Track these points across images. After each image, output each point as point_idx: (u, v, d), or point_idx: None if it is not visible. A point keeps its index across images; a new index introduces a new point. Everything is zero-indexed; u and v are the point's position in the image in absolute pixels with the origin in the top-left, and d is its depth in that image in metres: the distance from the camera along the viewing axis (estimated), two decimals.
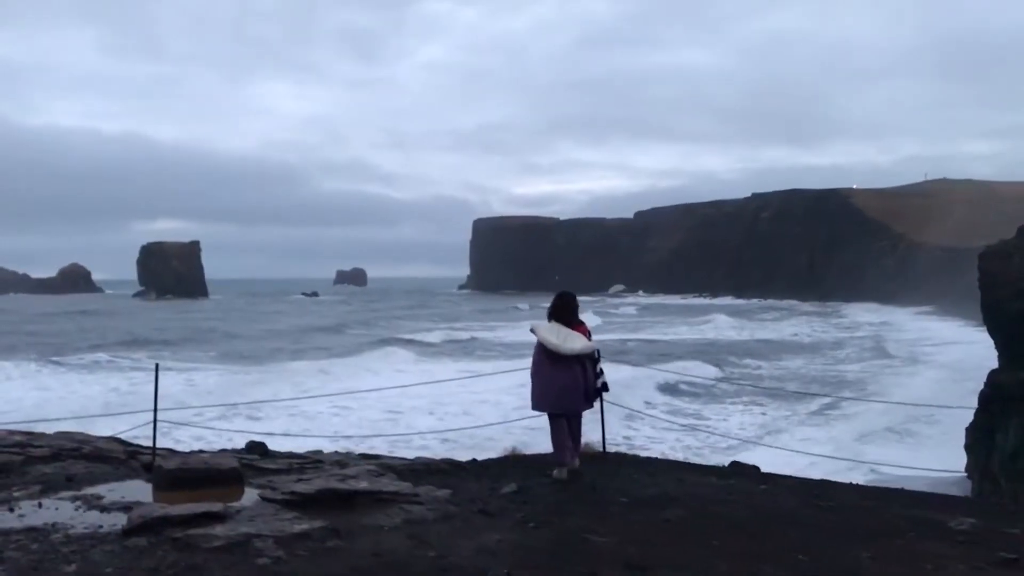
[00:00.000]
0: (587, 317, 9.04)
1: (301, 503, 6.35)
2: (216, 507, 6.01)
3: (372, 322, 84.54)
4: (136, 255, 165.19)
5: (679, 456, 19.44)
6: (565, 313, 8.42)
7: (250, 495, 6.84)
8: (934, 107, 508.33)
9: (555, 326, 8.30)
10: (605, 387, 8.46)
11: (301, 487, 6.60)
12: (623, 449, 10.32)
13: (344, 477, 7.05)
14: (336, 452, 9.94)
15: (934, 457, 22.06)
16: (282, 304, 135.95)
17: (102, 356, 47.17)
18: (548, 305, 8.58)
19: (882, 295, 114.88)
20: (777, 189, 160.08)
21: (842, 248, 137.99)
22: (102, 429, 11.55)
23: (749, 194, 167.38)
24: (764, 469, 9.11)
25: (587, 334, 8.41)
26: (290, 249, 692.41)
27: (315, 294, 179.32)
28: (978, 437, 20.40)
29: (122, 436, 9.92)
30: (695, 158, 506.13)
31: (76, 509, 6.50)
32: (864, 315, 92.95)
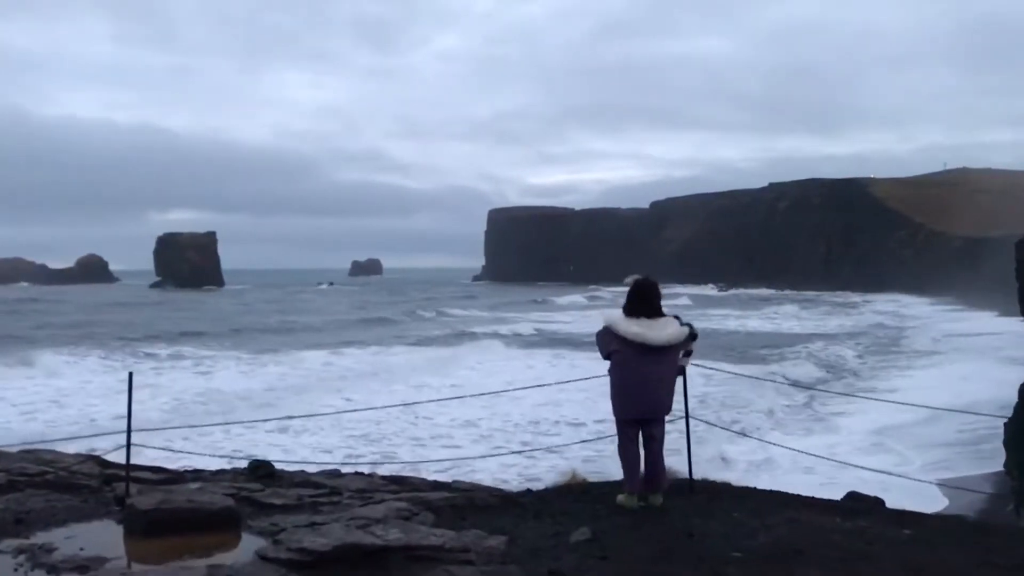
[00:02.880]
0: None
1: (312, 564, 4.73)
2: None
3: (417, 314, 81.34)
4: (152, 245, 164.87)
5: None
6: (646, 306, 6.72)
7: (247, 548, 5.22)
8: (956, 94, 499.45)
9: (639, 320, 6.64)
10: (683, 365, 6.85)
11: (313, 540, 4.94)
12: (699, 469, 8.22)
13: (368, 522, 5.38)
14: (358, 473, 8.27)
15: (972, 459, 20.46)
16: (309, 294, 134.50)
17: (185, 348, 44.36)
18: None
19: (902, 286, 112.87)
20: (794, 179, 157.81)
21: (860, 238, 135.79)
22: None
23: (766, 184, 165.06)
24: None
25: None
26: (305, 239, 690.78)
27: (331, 284, 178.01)
28: (1018, 432, 18.79)
29: (112, 451, 8.33)
30: (712, 147, 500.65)
31: (16, 569, 4.91)
32: (888, 305, 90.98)
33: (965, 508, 17.14)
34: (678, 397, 6.91)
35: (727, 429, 14.88)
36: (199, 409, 26.57)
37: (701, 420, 8.17)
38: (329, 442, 20.62)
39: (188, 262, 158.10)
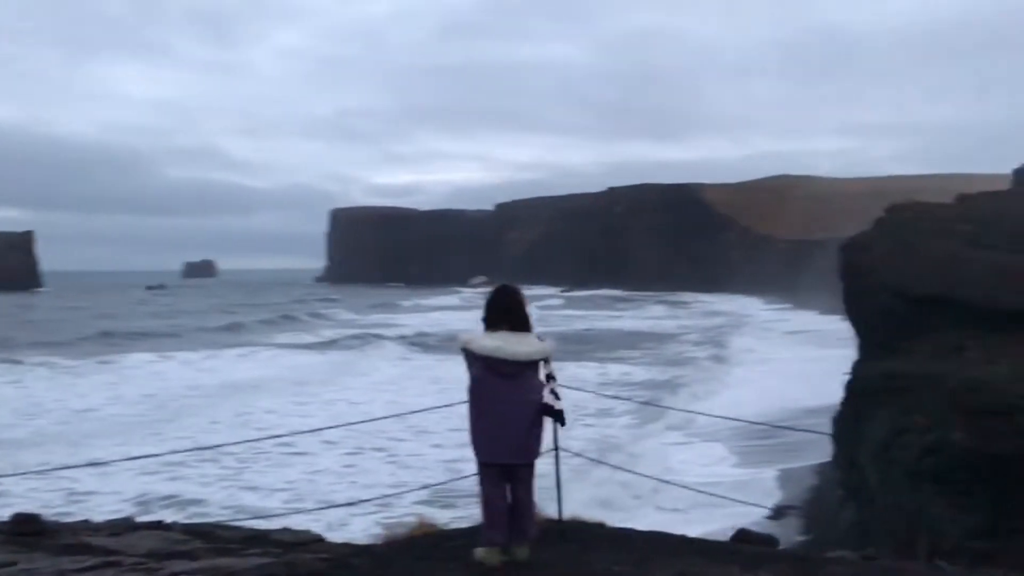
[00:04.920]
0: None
1: None
2: None
3: (292, 316, 77.77)
4: None
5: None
6: (509, 317, 5.73)
7: None
8: (787, 104, 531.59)
9: (498, 334, 5.66)
10: (561, 418, 5.71)
11: None
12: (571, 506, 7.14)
13: None
14: (155, 524, 6.88)
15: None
16: (141, 294, 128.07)
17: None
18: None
19: (735, 286, 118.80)
20: (634, 183, 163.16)
21: (693, 241, 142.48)
22: None
23: (607, 188, 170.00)
24: None
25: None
26: (134, 239, 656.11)
27: (162, 286, 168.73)
28: (846, 427, 20.17)
29: None
30: (557, 151, 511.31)
31: None
32: (719, 305, 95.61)
33: (796, 499, 18.33)
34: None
35: (595, 459, 14.97)
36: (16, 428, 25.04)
37: (572, 452, 7.65)
38: (177, 447, 19.70)
39: (3, 264, 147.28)
